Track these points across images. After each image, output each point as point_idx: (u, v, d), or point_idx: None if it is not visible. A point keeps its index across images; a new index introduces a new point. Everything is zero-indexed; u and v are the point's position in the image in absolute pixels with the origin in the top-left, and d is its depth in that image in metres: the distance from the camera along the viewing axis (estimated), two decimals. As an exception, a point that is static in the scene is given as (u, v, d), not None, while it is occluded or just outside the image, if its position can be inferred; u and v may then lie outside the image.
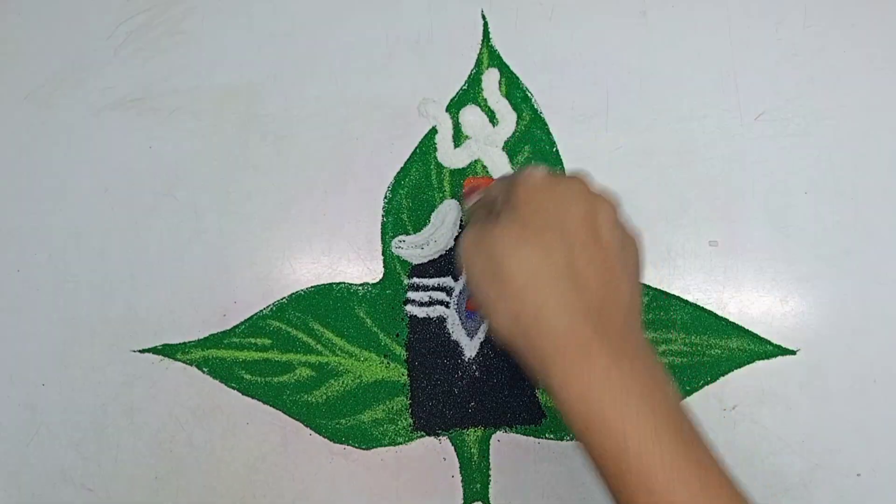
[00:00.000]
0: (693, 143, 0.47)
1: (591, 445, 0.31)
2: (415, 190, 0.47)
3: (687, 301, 0.46)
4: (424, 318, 0.46)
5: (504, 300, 0.33)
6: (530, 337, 0.32)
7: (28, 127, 0.49)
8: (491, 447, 0.46)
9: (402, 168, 0.47)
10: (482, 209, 0.39)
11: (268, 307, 0.46)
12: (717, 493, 0.30)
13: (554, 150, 0.47)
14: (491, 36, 0.48)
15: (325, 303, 0.47)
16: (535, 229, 0.33)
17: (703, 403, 0.45)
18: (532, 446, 0.46)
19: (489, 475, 0.45)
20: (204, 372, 0.46)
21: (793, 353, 0.46)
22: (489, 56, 0.48)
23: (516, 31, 0.48)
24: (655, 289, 0.46)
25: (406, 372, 0.46)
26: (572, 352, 0.31)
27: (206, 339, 0.46)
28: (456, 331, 0.46)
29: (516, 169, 0.39)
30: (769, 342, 0.46)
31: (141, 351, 0.46)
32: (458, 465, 0.45)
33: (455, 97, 0.48)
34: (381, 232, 0.47)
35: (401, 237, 0.47)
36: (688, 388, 0.45)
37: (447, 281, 0.46)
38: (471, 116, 0.48)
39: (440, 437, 0.46)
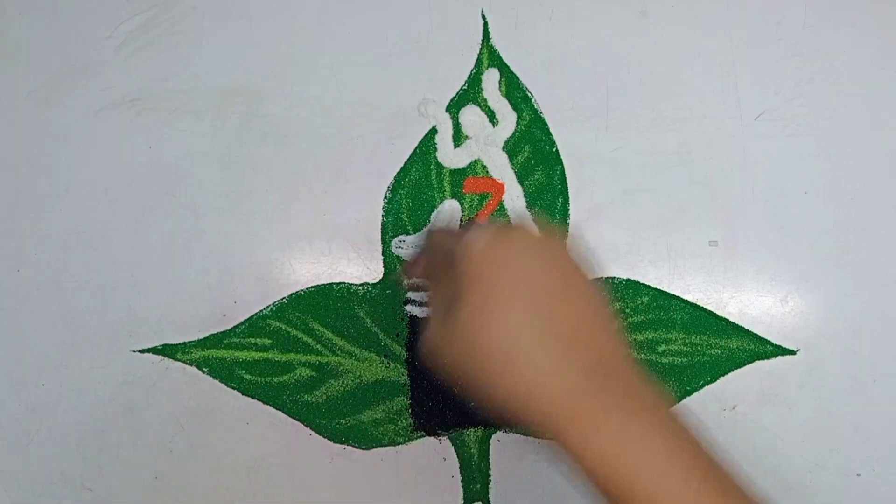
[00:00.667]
0: (693, 143, 0.47)
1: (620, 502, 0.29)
2: (415, 190, 0.47)
3: (687, 301, 0.46)
4: (424, 318, 0.46)
5: (491, 382, 0.30)
6: (531, 411, 0.29)
7: (28, 127, 0.49)
8: (491, 447, 0.46)
9: (402, 168, 0.47)
10: (437, 289, 0.35)
11: (268, 307, 0.46)
12: None
13: (554, 150, 0.47)
14: (491, 36, 0.48)
15: (325, 303, 0.47)
16: (498, 300, 0.30)
17: (703, 403, 0.45)
18: (532, 446, 0.46)
19: (489, 475, 0.45)
20: (204, 372, 0.46)
21: (793, 353, 0.46)
22: (489, 56, 0.48)
23: (516, 31, 0.48)
24: (655, 289, 0.46)
25: (406, 372, 0.46)
26: (584, 416, 0.29)
27: (206, 339, 0.46)
28: (456, 331, 0.46)
29: (439, 232, 0.37)
30: (769, 342, 0.46)
31: (141, 351, 0.46)
32: (458, 465, 0.45)
33: (455, 97, 0.48)
34: (381, 232, 0.47)
35: (401, 237, 0.47)
36: (688, 388, 0.45)
37: (447, 281, 0.46)
38: (471, 116, 0.48)
39: (440, 437, 0.46)
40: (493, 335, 0.29)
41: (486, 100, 0.48)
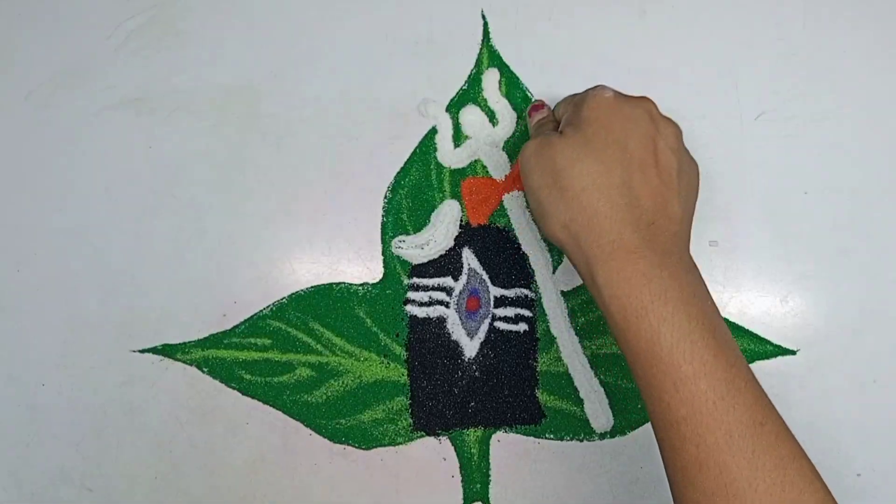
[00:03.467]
0: (693, 143, 0.47)
1: (627, 341, 0.33)
2: (415, 190, 0.47)
3: (687, 301, 0.46)
4: (424, 318, 0.46)
5: (560, 206, 0.36)
6: (580, 240, 0.35)
7: (28, 127, 0.49)
8: (491, 447, 0.46)
9: (402, 168, 0.47)
10: (546, 125, 0.42)
11: (268, 307, 0.46)
12: (741, 389, 0.32)
13: (554, 150, 0.47)
14: (491, 36, 0.48)
15: (325, 303, 0.47)
16: (597, 146, 0.36)
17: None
18: (532, 446, 0.46)
19: (489, 475, 0.45)
20: (204, 372, 0.46)
21: (793, 353, 0.46)
22: (489, 56, 0.48)
23: (516, 31, 0.48)
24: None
25: (406, 372, 0.46)
26: (619, 256, 0.34)
27: (206, 339, 0.46)
28: (456, 331, 0.46)
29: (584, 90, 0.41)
30: (769, 342, 0.46)
31: (141, 351, 0.46)
32: (458, 465, 0.45)
33: (455, 97, 0.48)
34: (381, 232, 0.47)
35: (401, 237, 0.47)
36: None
37: (447, 281, 0.46)
38: (471, 116, 0.48)
39: (440, 437, 0.46)
40: (580, 169, 0.36)
41: (486, 100, 0.48)
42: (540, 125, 0.43)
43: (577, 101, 0.39)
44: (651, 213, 0.35)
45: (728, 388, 0.31)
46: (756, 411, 0.31)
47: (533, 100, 0.47)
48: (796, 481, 0.31)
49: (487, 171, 0.47)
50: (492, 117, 0.48)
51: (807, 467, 0.32)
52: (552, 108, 0.45)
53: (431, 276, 0.46)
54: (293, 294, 0.47)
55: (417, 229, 0.47)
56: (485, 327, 0.46)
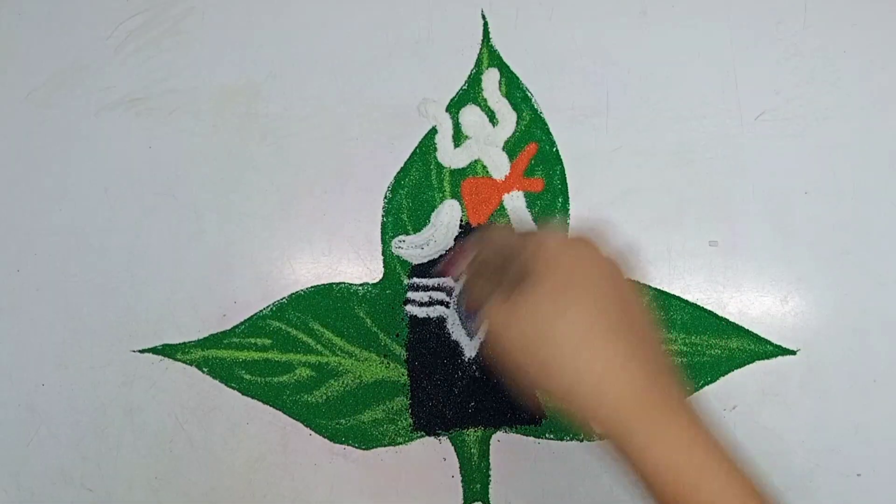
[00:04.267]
0: (693, 143, 0.47)
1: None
2: (415, 190, 0.47)
3: (687, 301, 0.46)
4: (424, 318, 0.46)
5: (555, 371, 0.30)
6: (595, 407, 0.30)
7: (28, 127, 0.49)
8: (491, 447, 0.46)
9: (402, 168, 0.47)
10: (484, 280, 0.36)
11: (268, 307, 0.46)
12: None
13: (554, 150, 0.47)
14: (491, 36, 0.48)
15: (325, 303, 0.47)
16: (575, 290, 0.31)
17: (704, 403, 0.45)
18: (532, 446, 0.46)
19: (489, 475, 0.45)
20: (204, 372, 0.46)
21: (793, 353, 0.46)
22: (489, 56, 0.48)
23: (516, 31, 0.48)
24: (655, 289, 0.46)
25: (406, 372, 0.46)
26: (652, 417, 0.30)
27: (206, 339, 0.46)
28: (456, 331, 0.46)
29: (497, 230, 0.38)
30: (769, 342, 0.46)
31: (141, 351, 0.46)
32: (458, 465, 0.45)
33: (455, 97, 0.48)
34: (381, 232, 0.47)
35: (401, 237, 0.47)
36: (688, 388, 0.45)
37: (447, 281, 0.46)
38: (471, 116, 0.48)
39: (440, 437, 0.46)
40: (569, 321, 0.30)
41: (486, 100, 0.48)
42: (474, 281, 0.37)
43: (518, 249, 0.34)
44: (653, 355, 0.31)
45: None
46: None
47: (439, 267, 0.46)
48: None
49: (487, 171, 0.47)
50: (492, 117, 0.48)
51: None
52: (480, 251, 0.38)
53: (431, 277, 0.46)
54: (293, 294, 0.47)
55: (417, 229, 0.47)
56: (485, 328, 0.46)
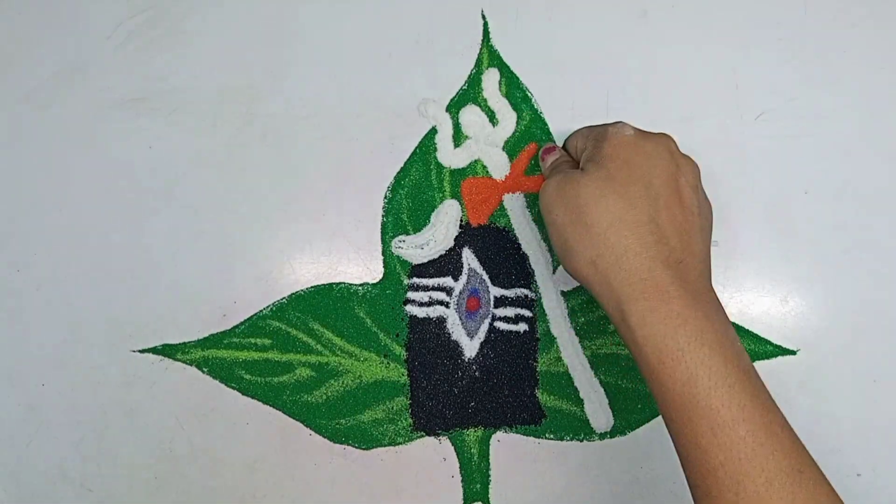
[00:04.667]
0: (693, 143, 0.47)
1: (662, 383, 0.33)
2: (415, 190, 0.47)
3: (687, 301, 0.46)
4: (424, 318, 0.46)
5: (585, 243, 0.35)
6: (609, 279, 0.34)
7: (28, 127, 0.49)
8: (491, 447, 0.46)
9: (402, 168, 0.47)
10: (562, 164, 0.41)
11: (268, 307, 0.46)
12: (779, 434, 0.31)
13: (554, 150, 0.47)
14: (491, 36, 0.48)
15: (325, 303, 0.47)
16: (621, 182, 0.35)
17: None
18: (532, 446, 0.46)
19: (489, 475, 0.45)
20: (204, 372, 0.46)
21: (793, 353, 0.46)
22: (489, 56, 0.48)
23: (516, 31, 0.48)
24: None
25: (406, 372, 0.46)
26: (651, 294, 0.33)
27: (206, 339, 0.46)
28: (456, 331, 0.46)
29: (601, 124, 0.41)
30: (769, 342, 0.46)
31: (141, 351, 0.46)
32: (458, 465, 0.45)
33: (455, 97, 0.48)
34: (381, 232, 0.47)
35: (401, 237, 0.47)
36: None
37: (447, 281, 0.46)
38: (471, 116, 0.48)
39: (440, 437, 0.46)
40: (605, 205, 0.35)
41: (486, 100, 0.48)
42: (555, 165, 0.43)
43: (596, 137, 0.39)
44: (679, 251, 0.35)
45: (766, 433, 0.31)
46: (794, 457, 0.31)
47: (544, 144, 0.47)
48: None
49: (487, 171, 0.47)
50: (492, 117, 0.48)
51: None
52: (563, 145, 0.45)
53: (431, 276, 0.46)
54: (293, 294, 0.47)
55: (417, 229, 0.47)
56: (485, 327, 0.46)
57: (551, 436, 0.45)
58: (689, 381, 0.31)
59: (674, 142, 0.38)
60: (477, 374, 0.46)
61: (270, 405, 0.46)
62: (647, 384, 0.34)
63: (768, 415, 0.31)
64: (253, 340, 0.46)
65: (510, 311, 0.46)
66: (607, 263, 0.34)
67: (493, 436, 0.46)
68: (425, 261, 0.46)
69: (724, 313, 0.35)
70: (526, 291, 0.46)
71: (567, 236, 0.36)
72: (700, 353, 0.32)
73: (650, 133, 0.38)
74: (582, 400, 0.46)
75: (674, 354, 0.32)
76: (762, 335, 0.46)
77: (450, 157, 0.47)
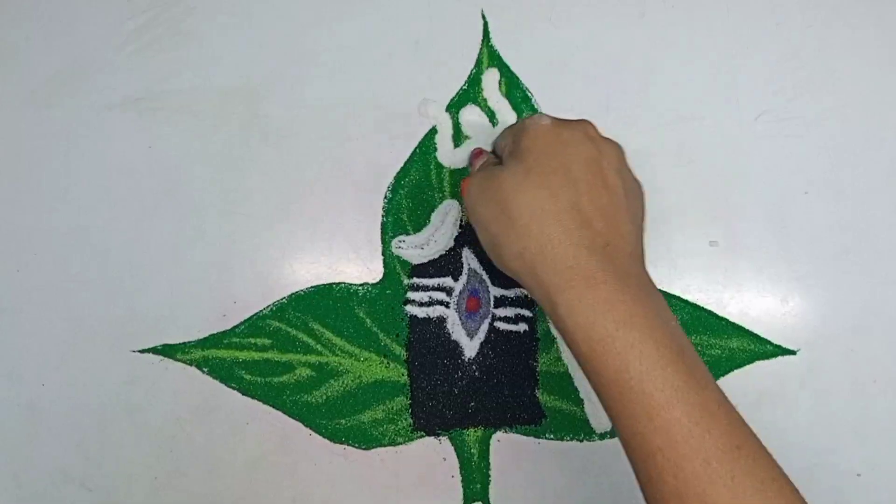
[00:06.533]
0: (693, 143, 0.47)
1: (595, 370, 0.32)
2: (415, 190, 0.47)
3: (687, 301, 0.46)
4: (424, 318, 0.46)
5: (510, 237, 0.35)
6: (536, 271, 0.34)
7: (28, 127, 0.49)
8: (491, 447, 0.46)
9: (402, 168, 0.47)
10: (487, 163, 0.42)
11: (268, 307, 0.46)
12: (715, 412, 0.31)
13: (554, 150, 0.47)
14: (491, 36, 0.48)
15: (325, 303, 0.47)
16: (540, 173, 0.35)
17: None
18: (532, 446, 0.46)
19: (489, 475, 0.45)
20: (204, 372, 0.46)
21: (793, 353, 0.46)
22: (489, 56, 0.48)
23: (516, 31, 0.48)
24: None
25: (406, 372, 0.46)
26: (578, 282, 0.33)
27: (206, 339, 0.46)
28: (456, 331, 0.46)
29: (520, 119, 0.41)
30: (769, 342, 0.46)
31: (141, 351, 0.46)
32: (458, 465, 0.45)
33: (455, 97, 0.48)
34: (381, 232, 0.47)
35: (401, 237, 0.47)
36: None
37: (447, 281, 0.46)
38: (471, 116, 0.48)
39: (440, 437, 0.46)
40: (526, 197, 0.35)
41: (486, 100, 0.48)
42: (482, 167, 0.42)
43: (514, 132, 0.38)
44: (605, 235, 0.34)
45: (702, 412, 0.30)
46: (732, 434, 0.30)
47: (473, 148, 0.47)
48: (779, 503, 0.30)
49: (487, 171, 0.47)
50: (492, 117, 0.48)
51: (787, 488, 0.30)
52: (492, 148, 0.45)
53: (431, 276, 0.46)
54: (293, 294, 0.47)
55: (417, 229, 0.47)
56: (485, 327, 0.46)
57: (551, 436, 0.45)
58: (621, 366, 0.31)
59: (593, 126, 0.38)
60: (477, 374, 0.46)
61: (270, 405, 0.46)
62: (585, 374, 0.33)
63: (703, 393, 0.31)
64: (253, 340, 0.46)
65: (510, 311, 0.46)
66: (532, 255, 0.34)
67: (493, 436, 0.46)
68: (425, 261, 0.46)
69: (658, 294, 0.34)
70: (526, 291, 0.46)
71: (492, 232, 0.36)
72: (630, 337, 0.31)
73: (568, 121, 0.38)
74: (582, 400, 0.46)
75: (604, 341, 0.31)
76: (762, 335, 0.46)
77: (450, 157, 0.47)
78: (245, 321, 0.46)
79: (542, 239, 0.34)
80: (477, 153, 0.45)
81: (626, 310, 0.32)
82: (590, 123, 0.38)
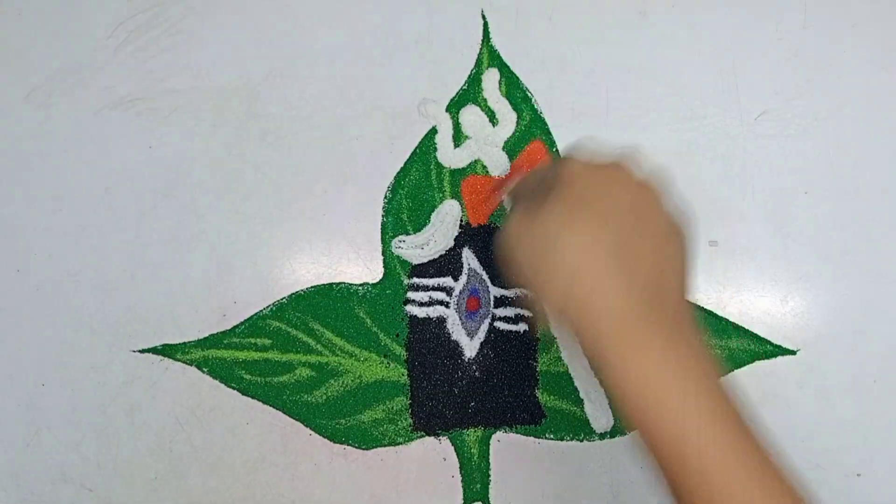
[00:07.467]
0: (693, 143, 0.47)
1: (648, 429, 0.31)
2: (415, 190, 0.47)
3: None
4: (424, 318, 0.46)
5: (555, 277, 0.33)
6: (583, 316, 0.32)
7: (28, 127, 0.49)
8: (491, 447, 0.46)
9: (402, 168, 0.47)
10: (524, 195, 0.39)
11: (268, 307, 0.46)
12: (772, 476, 0.31)
13: (554, 150, 0.47)
14: (491, 36, 0.48)
15: (325, 303, 0.47)
16: (584, 207, 0.33)
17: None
18: (532, 446, 0.46)
19: (489, 475, 0.45)
20: (204, 372, 0.46)
21: (793, 353, 0.46)
22: (489, 56, 0.48)
23: (516, 31, 0.48)
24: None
25: (406, 372, 0.46)
26: (629, 334, 0.31)
27: (206, 339, 0.46)
28: (456, 331, 0.46)
29: (558, 156, 0.40)
30: (769, 342, 0.46)
31: (141, 351, 0.46)
32: (458, 465, 0.45)
33: (455, 97, 0.48)
34: (381, 232, 0.47)
35: (401, 237, 0.47)
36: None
37: (447, 281, 0.46)
38: (471, 116, 0.48)
39: (440, 437, 0.46)
40: (573, 239, 0.32)
41: (486, 100, 0.48)
42: (518, 193, 0.41)
43: (552, 168, 0.37)
44: (652, 279, 0.32)
45: (758, 471, 0.31)
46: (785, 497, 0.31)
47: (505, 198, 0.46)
48: None
49: (487, 171, 0.47)
50: (492, 117, 0.48)
51: None
52: (530, 172, 0.42)
53: (431, 276, 0.46)
54: (293, 294, 0.47)
55: (417, 229, 0.47)
56: (485, 327, 0.46)
57: (551, 436, 0.45)
58: (678, 428, 0.30)
59: (631, 167, 0.35)
60: (477, 374, 0.46)
61: (270, 405, 0.46)
62: (627, 420, 0.32)
63: (761, 457, 0.31)
64: (253, 340, 0.46)
65: (510, 311, 0.46)
66: (579, 302, 0.32)
67: (493, 436, 0.46)
68: (425, 261, 0.46)
69: (704, 341, 0.33)
70: (526, 291, 0.46)
71: (537, 271, 0.34)
72: (686, 397, 0.30)
73: (605, 162, 0.36)
74: (582, 400, 0.46)
75: (658, 401, 0.30)
76: (762, 335, 0.46)
77: (450, 157, 0.47)
78: (245, 321, 0.46)
79: (590, 282, 0.32)
80: (514, 170, 0.44)
81: (679, 368, 0.31)
82: (627, 164, 0.35)
